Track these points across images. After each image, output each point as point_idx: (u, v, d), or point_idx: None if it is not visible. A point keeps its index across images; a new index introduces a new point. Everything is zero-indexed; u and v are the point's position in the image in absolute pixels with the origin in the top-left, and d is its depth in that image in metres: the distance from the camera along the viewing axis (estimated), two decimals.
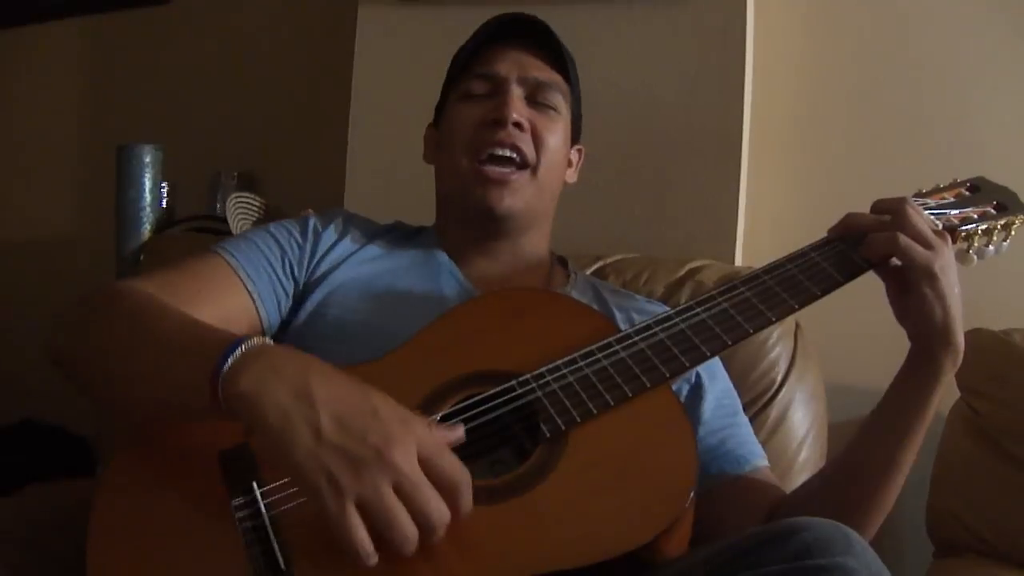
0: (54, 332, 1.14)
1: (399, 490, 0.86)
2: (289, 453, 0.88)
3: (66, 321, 1.14)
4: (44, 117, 2.94)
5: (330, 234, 1.34)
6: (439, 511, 0.88)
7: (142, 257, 2.00)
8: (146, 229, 2.10)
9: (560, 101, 1.35)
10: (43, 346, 1.13)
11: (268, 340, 0.97)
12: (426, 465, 0.88)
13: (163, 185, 2.14)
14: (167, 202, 2.16)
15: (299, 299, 1.29)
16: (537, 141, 1.31)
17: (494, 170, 1.29)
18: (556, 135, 1.34)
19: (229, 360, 0.92)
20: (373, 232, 1.39)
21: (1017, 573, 1.51)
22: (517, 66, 1.33)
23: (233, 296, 1.22)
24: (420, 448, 0.88)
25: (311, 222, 1.35)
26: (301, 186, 2.44)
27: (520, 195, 1.30)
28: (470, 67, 1.35)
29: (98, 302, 1.13)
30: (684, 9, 1.90)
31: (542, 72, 1.34)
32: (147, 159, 2.10)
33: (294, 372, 0.91)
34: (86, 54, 2.90)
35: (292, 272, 1.29)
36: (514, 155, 1.29)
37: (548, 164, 1.32)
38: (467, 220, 1.35)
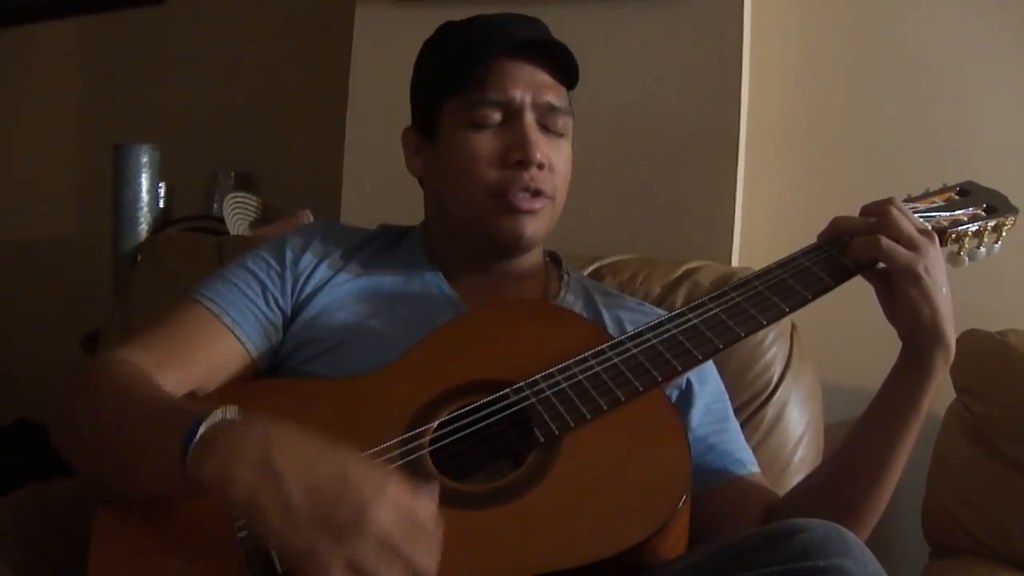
0: (52, 418, 1.13)
1: (384, 547, 0.84)
2: (268, 532, 0.86)
3: (56, 404, 1.13)
4: (41, 117, 2.95)
5: (309, 256, 1.30)
6: (426, 561, 0.85)
7: (139, 257, 1.99)
8: (143, 229, 2.10)
9: (569, 123, 1.31)
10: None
11: (224, 414, 0.95)
12: (405, 517, 0.86)
13: (160, 185, 2.14)
14: (164, 202, 2.16)
15: (287, 326, 1.27)
16: (553, 172, 1.27)
17: (523, 200, 1.25)
18: (567, 158, 1.31)
19: (191, 448, 0.91)
20: (354, 244, 1.35)
21: (1013, 573, 1.52)
22: (531, 89, 1.26)
23: (220, 344, 1.21)
24: (398, 503, 0.86)
25: (288, 246, 1.31)
26: (298, 186, 2.45)
27: (543, 222, 1.28)
28: (479, 90, 1.25)
29: (75, 389, 1.12)
30: (680, 9, 1.89)
31: (554, 94, 1.28)
32: (144, 159, 2.10)
33: (255, 448, 0.89)
34: (83, 54, 2.90)
35: (277, 304, 1.26)
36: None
37: (562, 188, 1.30)
38: (475, 241, 1.30)
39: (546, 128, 1.27)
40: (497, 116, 1.26)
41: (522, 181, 1.24)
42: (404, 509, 0.86)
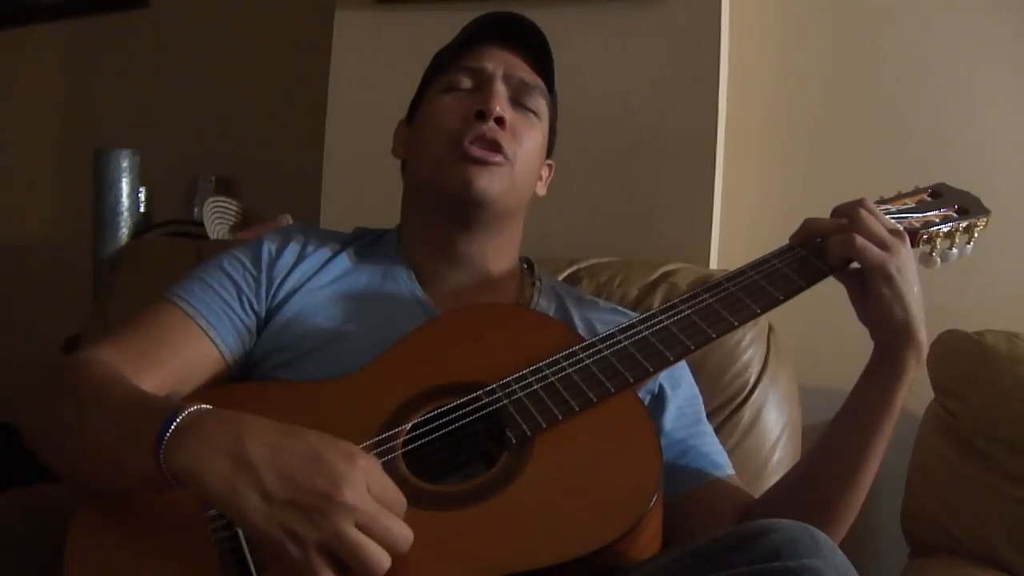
0: (25, 416, 1.13)
1: (360, 525, 0.87)
2: (243, 519, 0.88)
3: (28, 403, 1.13)
4: (22, 121, 2.94)
5: (285, 259, 1.31)
6: (402, 534, 0.90)
7: (119, 262, 1.99)
8: (124, 234, 2.10)
9: (542, 105, 1.34)
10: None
11: (200, 406, 0.96)
12: (377, 494, 0.90)
13: (141, 190, 2.14)
14: (145, 207, 2.16)
15: (261, 328, 1.27)
16: (516, 140, 1.29)
17: (477, 148, 1.25)
18: (534, 139, 1.32)
19: (164, 439, 0.92)
20: (330, 247, 1.35)
21: (990, 572, 1.52)
22: (504, 64, 1.31)
23: (193, 345, 1.21)
24: (368, 479, 0.90)
25: (264, 249, 1.31)
26: (279, 190, 2.45)
27: (498, 180, 1.26)
28: (455, 61, 1.33)
29: (49, 387, 1.13)
30: (658, 11, 1.89)
31: (528, 74, 1.33)
32: (125, 164, 2.11)
33: (226, 438, 0.91)
34: (64, 58, 2.89)
35: (252, 306, 1.26)
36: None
37: (524, 163, 1.30)
38: (438, 208, 1.31)
39: (519, 103, 1.32)
40: (469, 82, 1.32)
41: (478, 130, 1.26)
42: (375, 485, 0.90)
